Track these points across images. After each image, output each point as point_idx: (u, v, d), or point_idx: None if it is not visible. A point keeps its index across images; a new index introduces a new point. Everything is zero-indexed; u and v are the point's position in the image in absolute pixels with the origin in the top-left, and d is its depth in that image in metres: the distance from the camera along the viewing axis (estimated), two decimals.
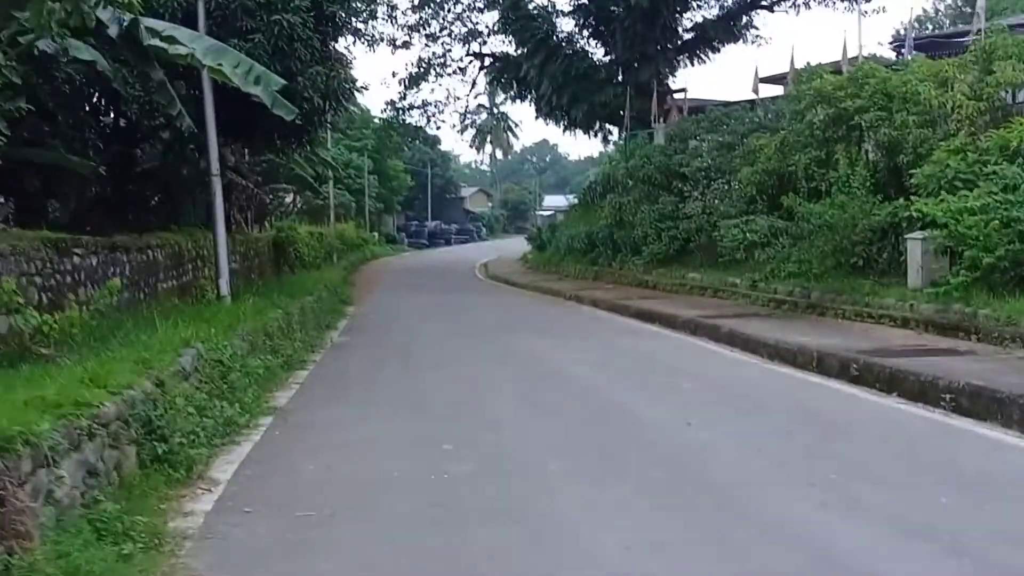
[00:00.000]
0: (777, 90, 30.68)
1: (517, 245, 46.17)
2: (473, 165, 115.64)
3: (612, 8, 33.66)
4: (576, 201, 39.12)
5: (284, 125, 14.10)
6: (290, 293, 15.47)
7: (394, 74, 59.12)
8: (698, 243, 21.56)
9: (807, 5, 35.16)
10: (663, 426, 7.63)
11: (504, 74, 36.89)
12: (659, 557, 4.41)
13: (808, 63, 21.28)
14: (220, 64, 9.22)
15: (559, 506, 5.27)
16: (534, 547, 4.55)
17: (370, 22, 32.66)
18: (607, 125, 36.15)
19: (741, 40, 35.59)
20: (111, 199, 14.10)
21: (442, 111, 40.41)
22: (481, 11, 37.53)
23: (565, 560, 4.39)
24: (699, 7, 35.04)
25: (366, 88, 61.52)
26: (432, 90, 46.37)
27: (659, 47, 33.46)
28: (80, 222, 12.75)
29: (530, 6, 35.07)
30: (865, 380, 9.49)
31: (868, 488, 5.57)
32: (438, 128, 66.68)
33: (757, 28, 35.63)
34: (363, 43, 33.45)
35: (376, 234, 55.17)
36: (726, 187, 20.79)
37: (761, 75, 27.11)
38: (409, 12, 36.93)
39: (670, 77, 35.00)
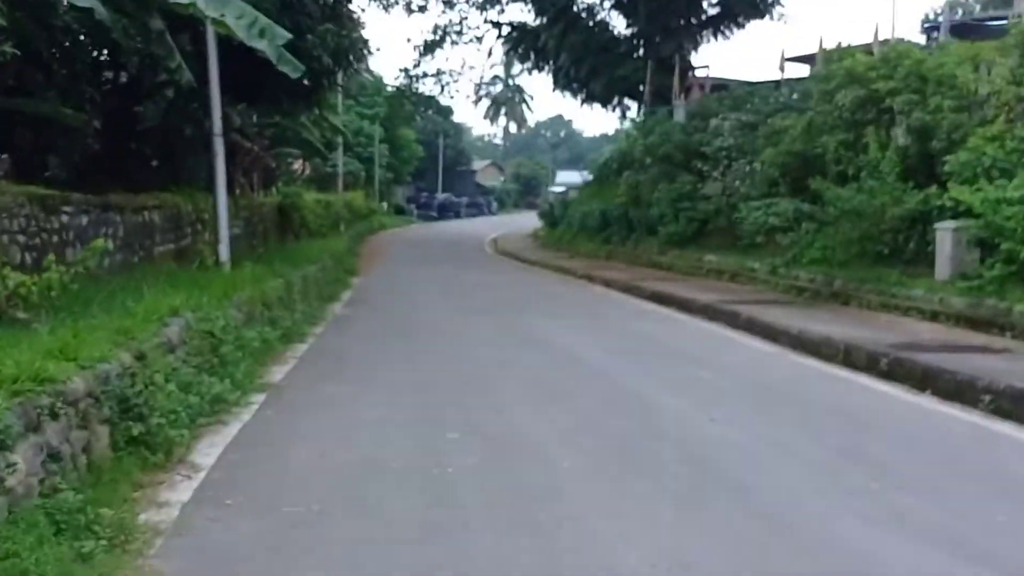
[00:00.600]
0: (803, 70, 29.98)
1: (528, 221, 45.61)
2: (486, 138, 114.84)
3: None
4: (590, 178, 38.45)
5: (291, 85, 13.49)
6: (293, 262, 14.95)
7: (408, 40, 58.58)
8: (716, 225, 21.01)
9: None
10: (684, 419, 7.11)
11: (521, 44, 36.10)
12: None
13: (839, 43, 20.55)
14: (223, 15, 8.63)
15: (574, 510, 4.74)
16: (545, 560, 4.03)
17: None
18: (626, 100, 35.45)
19: (767, 16, 34.74)
20: (110, 157, 13.54)
21: (456, 80, 39.80)
22: None
23: None
24: None
25: (377, 49, 60.90)
26: (447, 58, 45.75)
27: (682, 21, 32.69)
28: (78, 180, 12.23)
29: None
30: (896, 376, 8.96)
31: (914, 501, 5.04)
32: (451, 97, 66.20)
33: (782, 5, 34.76)
34: (378, 4, 32.56)
35: (385, 204, 54.58)
36: (747, 168, 20.19)
37: (787, 54, 26.35)
38: None
39: (692, 53, 34.23)
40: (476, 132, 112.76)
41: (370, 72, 46.10)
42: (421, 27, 58.01)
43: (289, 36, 9.26)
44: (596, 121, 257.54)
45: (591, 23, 34.20)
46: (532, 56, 36.28)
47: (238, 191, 18.90)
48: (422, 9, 35.94)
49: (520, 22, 36.47)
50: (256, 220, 19.07)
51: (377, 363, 9.30)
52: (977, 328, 11.03)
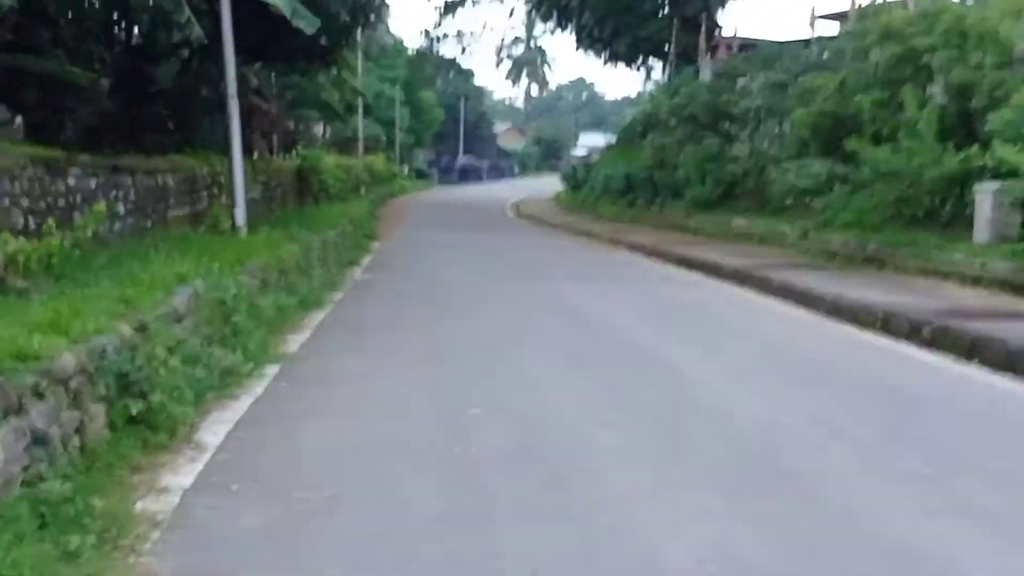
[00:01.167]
0: (834, 28, 29.13)
1: (550, 184, 45.05)
2: (507, 101, 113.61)
3: None
4: (614, 140, 37.80)
5: (307, 43, 13.04)
6: (312, 226, 14.58)
7: (429, 0, 57.68)
8: (744, 188, 20.47)
9: None
10: (720, 393, 6.70)
11: (544, 2, 35.31)
12: None
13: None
14: None
15: (609, 497, 4.34)
16: (580, 554, 3.64)
17: None
18: (650, 60, 34.69)
19: None
20: (124, 120, 13.19)
21: (478, 41, 39.22)
22: None
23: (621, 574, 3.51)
24: None
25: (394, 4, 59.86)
26: (468, 19, 45.01)
27: None
28: (91, 142, 11.90)
29: None
30: (941, 345, 8.50)
31: (979, 488, 4.61)
32: (473, 58, 65.13)
33: None
34: None
35: (406, 168, 54.08)
36: (777, 129, 19.60)
37: (818, 12, 25.57)
38: None
39: (719, 11, 33.36)
40: (498, 95, 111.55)
41: (390, 34, 45.48)
42: None
43: None
44: (619, 83, 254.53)
45: None
46: (555, 15, 35.50)
47: (256, 154, 18.53)
48: None
49: None
50: (274, 184, 18.71)
51: (397, 331, 8.94)
52: (1022, 294, 10.54)
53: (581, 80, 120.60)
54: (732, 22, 31.92)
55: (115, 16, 12.37)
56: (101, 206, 6.83)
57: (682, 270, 15.20)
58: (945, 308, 9.67)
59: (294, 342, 7.97)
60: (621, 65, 35.67)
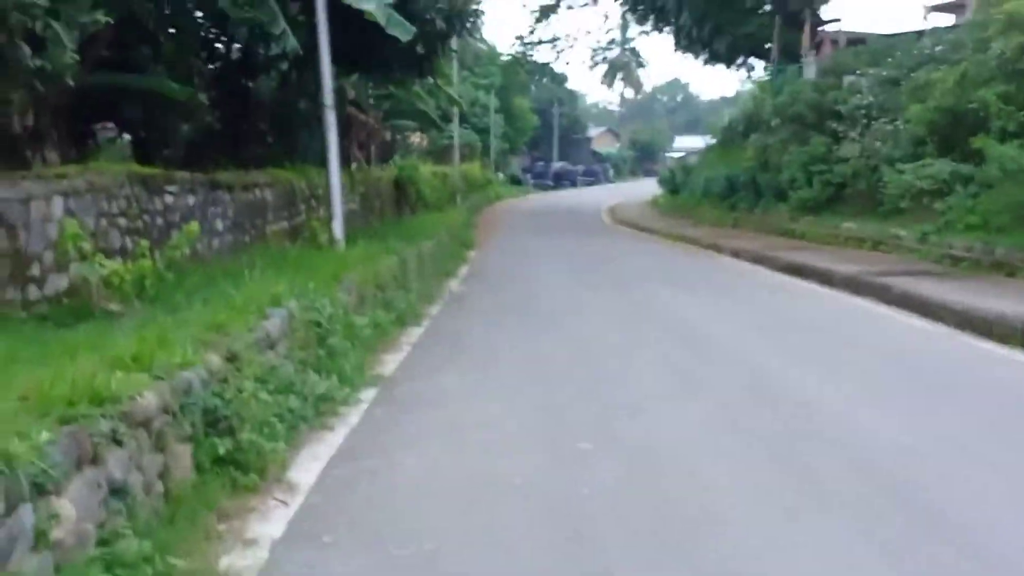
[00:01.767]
0: (947, 20, 27.64)
1: (646, 188, 44.25)
2: (600, 105, 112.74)
3: None
4: (712, 142, 36.77)
5: (403, 52, 12.82)
6: (409, 236, 14.39)
7: (524, 6, 57.63)
8: (855, 189, 19.39)
9: None
10: (846, 416, 6.06)
11: (640, 4, 34.60)
12: None
13: None
14: None
15: (739, 546, 3.83)
16: None
17: None
18: (751, 59, 33.57)
19: None
20: (224, 134, 13.28)
21: (572, 46, 38.72)
22: None
23: None
24: None
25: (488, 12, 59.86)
26: (562, 24, 44.72)
27: None
28: (191, 158, 11.98)
29: None
30: None
31: None
32: (567, 64, 65.15)
33: None
34: None
35: (501, 174, 54.08)
36: (889, 127, 18.47)
37: (930, 3, 24.26)
38: None
39: (823, 6, 32.01)
40: (591, 99, 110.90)
41: (484, 41, 45.52)
42: None
43: None
44: (714, 83, 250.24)
45: None
46: (651, 17, 34.74)
47: (354, 165, 18.55)
48: None
49: None
50: (372, 194, 18.68)
51: (495, 347, 8.56)
52: None
53: (676, 81, 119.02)
54: (836, 17, 30.61)
55: (214, 31, 12.40)
56: (193, 226, 6.68)
57: (790, 277, 14.44)
58: None
59: (391, 362, 7.67)
60: (720, 66, 34.65)
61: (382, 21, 8.39)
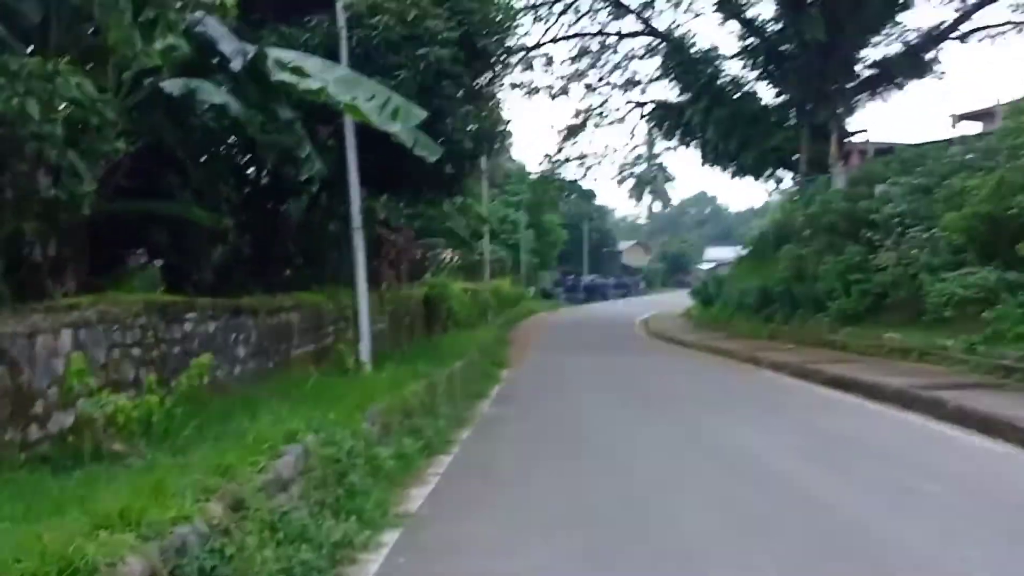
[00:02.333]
0: (973, 128, 27.63)
1: (677, 300, 43.87)
2: (629, 218, 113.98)
3: (783, 47, 31.46)
4: (744, 253, 36.59)
5: (433, 173, 12.82)
6: (439, 357, 14.05)
7: (552, 126, 58.96)
8: (895, 298, 18.88)
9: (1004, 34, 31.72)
10: (928, 560, 5.42)
11: (666, 121, 35.13)
12: None
13: None
14: (355, 98, 7.92)
15: None
16: None
17: (527, 72, 32.04)
18: (779, 170, 33.65)
19: (929, 75, 32.45)
20: (253, 258, 13.21)
21: (600, 163, 39.13)
22: (640, 58, 36.30)
23: None
24: (879, 43, 32.29)
25: (521, 128, 61.12)
26: (590, 141, 45.64)
27: (836, 86, 30.85)
28: (221, 282, 11.86)
29: (692, 50, 33.37)
30: None
31: None
32: (595, 180, 66.38)
33: (941, 62, 32.43)
34: (521, 91, 32.56)
35: (532, 289, 54.15)
36: (925, 235, 18.12)
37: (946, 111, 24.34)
38: (567, 63, 36.14)
39: (848, 118, 32.26)
40: (619, 213, 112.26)
41: (513, 160, 46.39)
42: (564, 111, 58.68)
43: (425, 114, 8.46)
44: (742, 195, 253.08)
45: (737, 95, 32.86)
46: (678, 133, 35.20)
47: (384, 285, 18.44)
48: (564, 92, 35.69)
49: (662, 100, 35.63)
50: (402, 314, 18.49)
51: (531, 482, 7.99)
52: None
53: (703, 194, 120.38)
54: (863, 128, 30.84)
55: (243, 157, 12.47)
56: (204, 358, 6.35)
57: (836, 392, 13.80)
58: None
59: (416, 498, 7.12)
60: (748, 178, 34.75)
61: (408, 143, 8.29)
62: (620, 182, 74.73)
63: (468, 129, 12.38)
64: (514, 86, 27.09)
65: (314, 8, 11.36)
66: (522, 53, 23.65)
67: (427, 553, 5.65)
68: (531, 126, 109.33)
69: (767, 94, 33.49)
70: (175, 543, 3.61)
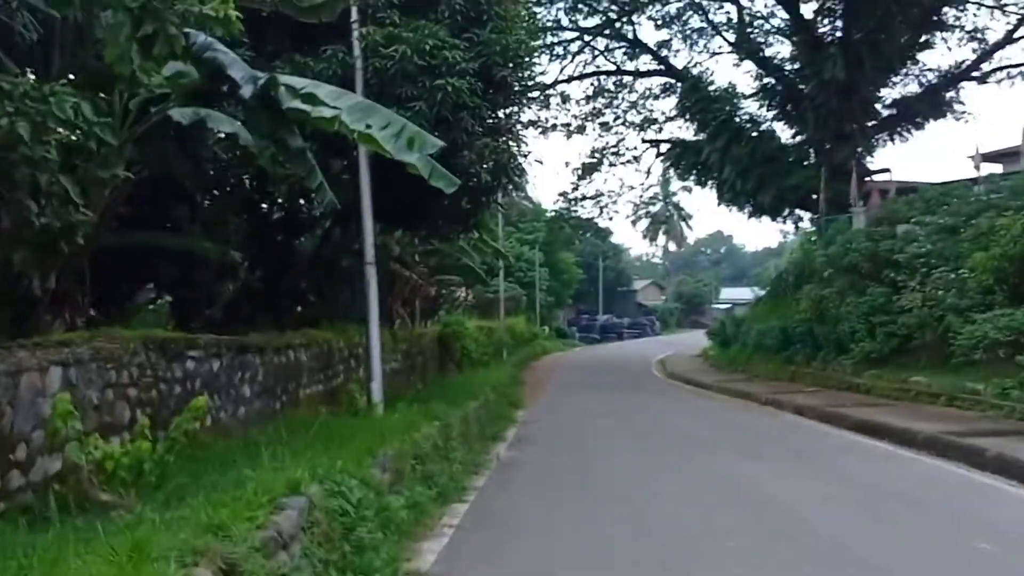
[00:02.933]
0: (994, 168, 27.27)
1: (693, 340, 43.30)
2: (644, 258, 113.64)
3: (802, 87, 31.25)
4: (761, 293, 36.04)
5: (448, 208, 12.48)
6: (453, 397, 13.56)
7: (567, 164, 58.96)
8: (921, 341, 18.32)
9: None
10: None
11: (683, 160, 34.84)
12: None
13: None
14: (368, 126, 7.56)
15: None
16: None
17: (543, 112, 31.92)
18: (797, 210, 33.22)
19: (949, 115, 32.15)
20: (264, 293, 12.84)
21: (615, 201, 38.85)
22: (656, 98, 36.19)
23: None
24: (897, 83, 32.09)
25: (539, 162, 61.20)
26: (605, 180, 45.56)
27: (855, 125, 30.55)
28: (231, 318, 11.49)
29: (710, 88, 33.19)
30: None
31: None
32: (610, 219, 66.33)
33: (963, 102, 32.14)
34: (536, 129, 32.43)
35: (547, 328, 53.68)
36: (952, 276, 17.63)
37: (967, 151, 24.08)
38: (583, 102, 36.01)
39: (868, 157, 31.91)
40: (635, 252, 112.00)
41: (529, 199, 46.18)
42: (578, 151, 58.60)
43: (441, 144, 8.09)
44: (758, 235, 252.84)
45: (755, 134, 32.59)
46: (694, 172, 34.89)
47: (397, 322, 18.04)
48: (580, 131, 35.51)
49: (679, 139, 35.40)
50: (415, 352, 18.05)
51: (550, 533, 7.46)
52: None
53: (719, 233, 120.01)
54: (884, 167, 30.49)
55: (254, 190, 12.13)
56: (201, 400, 5.90)
57: (864, 438, 13.24)
58: None
59: (428, 552, 6.59)
60: (765, 219, 34.31)
61: (425, 173, 7.90)
62: (635, 221, 74.69)
63: (485, 163, 12.02)
64: (530, 124, 26.90)
65: (329, 39, 11.08)
66: (538, 92, 23.42)
67: None
68: (547, 165, 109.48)
69: (785, 133, 33.31)
70: None
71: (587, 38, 35.29)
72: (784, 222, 34.78)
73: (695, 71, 34.21)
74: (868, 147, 32.26)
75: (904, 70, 31.83)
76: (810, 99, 30.54)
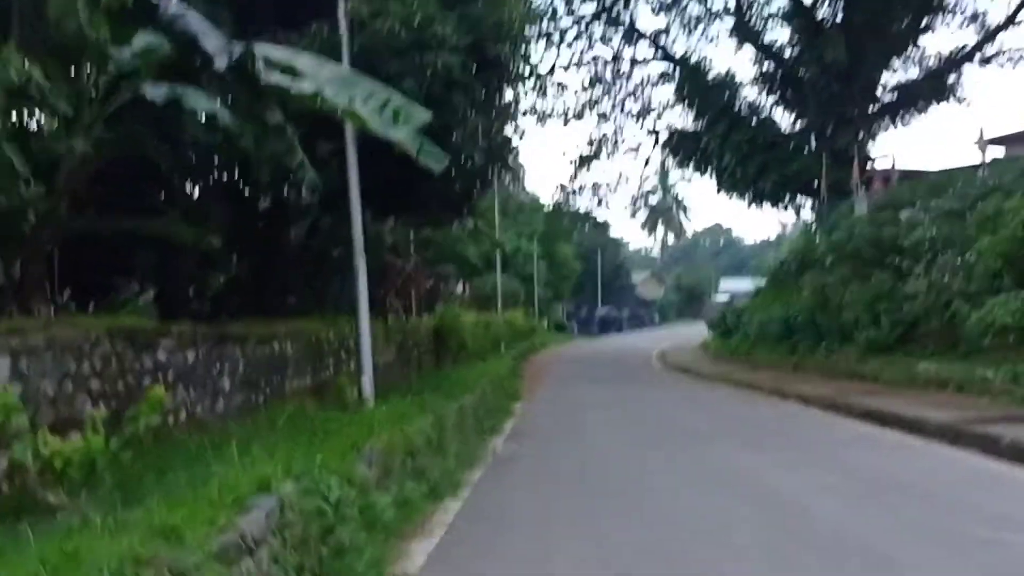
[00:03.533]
0: (997, 152, 26.96)
1: (693, 331, 42.92)
2: (643, 251, 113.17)
3: (801, 72, 30.78)
4: (762, 283, 35.62)
5: (441, 191, 11.97)
6: (449, 390, 13.10)
7: (564, 154, 58.49)
8: (927, 327, 17.89)
9: None
10: None
11: (681, 148, 34.37)
12: None
13: None
14: (352, 99, 7.07)
15: None
16: None
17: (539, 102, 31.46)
18: (798, 196, 32.78)
19: (952, 99, 31.71)
20: (252, 284, 12.37)
21: (614, 191, 38.38)
22: (654, 86, 35.67)
23: None
24: (899, 67, 31.64)
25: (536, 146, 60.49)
26: (603, 171, 45.06)
27: (857, 110, 30.10)
28: (217, 310, 11.03)
29: (709, 75, 32.72)
30: None
31: None
32: (608, 208, 65.88)
33: (963, 86, 31.73)
34: (533, 115, 31.92)
35: (545, 321, 53.29)
36: (958, 261, 17.19)
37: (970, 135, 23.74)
38: (579, 92, 35.53)
39: (870, 143, 31.47)
40: (633, 245, 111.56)
41: (526, 191, 45.76)
42: (577, 140, 58.30)
43: (428, 114, 7.58)
44: (757, 226, 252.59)
45: (755, 120, 32.12)
46: (693, 160, 34.39)
47: (391, 315, 17.57)
48: (578, 116, 34.98)
49: (677, 128, 34.90)
50: (410, 345, 17.58)
51: (549, 531, 7.00)
52: None
53: (718, 226, 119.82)
54: (886, 152, 30.04)
55: (237, 175, 11.60)
56: (159, 391, 5.37)
57: (872, 427, 12.77)
58: None
59: (418, 554, 6.09)
60: (766, 206, 33.82)
61: (413, 150, 7.41)
62: (633, 213, 74.23)
63: (478, 141, 11.51)
64: (526, 112, 26.47)
65: (315, 16, 10.59)
66: (535, 78, 22.95)
67: None
68: (543, 157, 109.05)
69: (785, 120, 32.86)
70: None
71: (584, 25, 34.75)
72: (785, 209, 34.37)
73: (694, 59, 33.73)
74: (870, 132, 31.83)
75: (905, 54, 31.39)
76: (811, 84, 30.14)
